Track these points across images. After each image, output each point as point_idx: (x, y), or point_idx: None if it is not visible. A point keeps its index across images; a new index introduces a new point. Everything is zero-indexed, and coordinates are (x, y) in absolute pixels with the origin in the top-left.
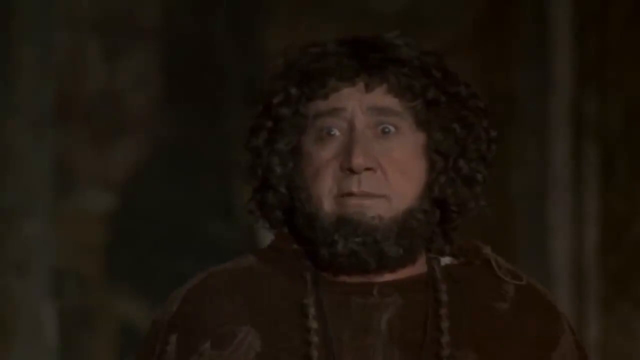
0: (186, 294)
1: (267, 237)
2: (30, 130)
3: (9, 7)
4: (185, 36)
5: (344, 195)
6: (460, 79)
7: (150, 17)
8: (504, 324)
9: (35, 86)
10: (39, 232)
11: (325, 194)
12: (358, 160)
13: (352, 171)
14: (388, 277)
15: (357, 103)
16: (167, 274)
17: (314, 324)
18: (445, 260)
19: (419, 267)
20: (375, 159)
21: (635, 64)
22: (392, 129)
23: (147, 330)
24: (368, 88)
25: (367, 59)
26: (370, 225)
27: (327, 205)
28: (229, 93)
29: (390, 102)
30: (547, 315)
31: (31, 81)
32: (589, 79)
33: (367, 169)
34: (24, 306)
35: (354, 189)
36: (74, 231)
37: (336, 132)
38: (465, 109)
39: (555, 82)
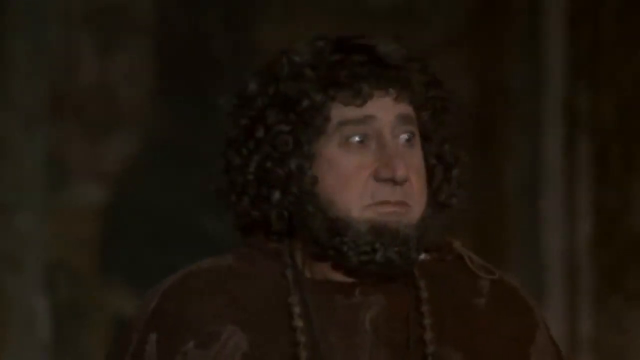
0: (165, 292)
1: None
2: (23, 124)
3: (0, 2)
4: (178, 31)
5: (377, 204)
6: (450, 91)
7: (143, 11)
8: (483, 320)
9: (28, 80)
10: (32, 226)
11: (354, 200)
12: (402, 172)
13: (394, 182)
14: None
15: (389, 112)
16: (160, 268)
17: (299, 323)
18: (420, 256)
19: None
20: (408, 169)
21: (627, 58)
22: (411, 137)
23: (121, 329)
24: (398, 98)
25: (395, 67)
26: (405, 234)
27: (357, 211)
28: (222, 88)
29: (410, 110)
30: (521, 310)
31: (24, 75)
32: (582, 73)
33: (407, 181)
34: (16, 300)
35: (391, 199)
36: (66, 225)
37: (358, 139)
38: (448, 112)
39: (547, 76)
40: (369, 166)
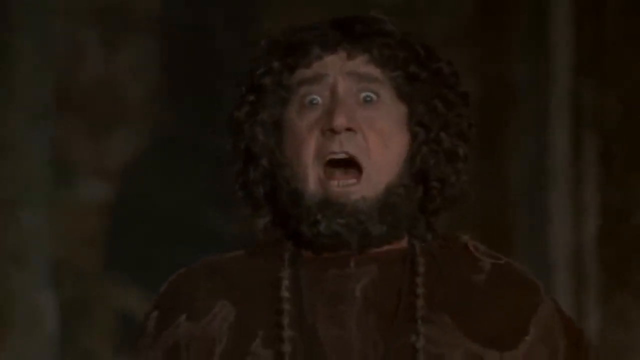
0: (173, 278)
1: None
2: (28, 120)
3: None
4: (183, 26)
5: (326, 155)
6: (443, 58)
7: (148, 6)
8: (479, 293)
9: (33, 76)
10: (37, 222)
11: (309, 164)
12: (340, 119)
13: (333, 131)
14: (366, 250)
15: (339, 70)
16: (164, 264)
17: (285, 294)
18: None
19: (398, 243)
20: (357, 122)
21: (633, 55)
22: (373, 97)
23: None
24: (350, 56)
25: (350, 30)
26: (354, 207)
27: (312, 184)
28: (227, 83)
29: (372, 70)
30: (525, 286)
31: (28, 72)
32: (588, 70)
33: (348, 129)
34: (22, 297)
35: (335, 149)
36: (71, 222)
37: (319, 100)
38: (447, 87)
39: (553, 73)
40: (319, 124)
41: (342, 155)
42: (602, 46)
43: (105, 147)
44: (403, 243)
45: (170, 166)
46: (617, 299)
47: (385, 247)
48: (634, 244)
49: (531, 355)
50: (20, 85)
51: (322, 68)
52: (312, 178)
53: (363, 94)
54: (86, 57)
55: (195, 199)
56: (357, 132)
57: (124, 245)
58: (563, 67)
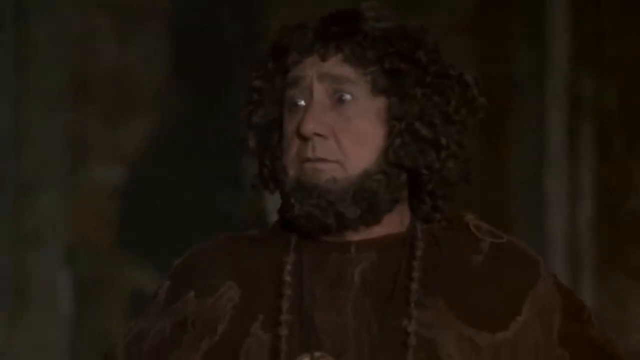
0: (188, 255)
1: (272, 210)
2: (45, 108)
3: None
4: (193, 17)
5: (302, 161)
6: (427, 46)
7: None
8: (476, 274)
9: (50, 67)
10: (54, 205)
11: (289, 162)
12: (308, 126)
13: (302, 137)
14: (365, 235)
15: (314, 72)
16: (175, 244)
17: (287, 278)
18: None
19: (399, 227)
20: (328, 126)
21: (628, 46)
22: (347, 97)
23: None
24: (323, 57)
25: (324, 31)
26: (324, 188)
27: (292, 171)
28: (234, 71)
29: (346, 70)
30: (523, 263)
31: (46, 62)
32: (585, 60)
33: (318, 134)
34: (39, 276)
35: (309, 155)
36: (86, 204)
37: (302, 102)
38: (428, 75)
39: (553, 62)
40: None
41: (314, 159)
42: (599, 37)
43: (119, 134)
44: (405, 227)
45: (181, 151)
46: (611, 278)
47: (384, 231)
48: (628, 227)
49: (524, 333)
50: (38, 75)
51: (301, 71)
52: (292, 171)
53: (337, 95)
54: (100, 48)
55: (205, 182)
56: (327, 137)
57: (137, 227)
58: (561, 58)
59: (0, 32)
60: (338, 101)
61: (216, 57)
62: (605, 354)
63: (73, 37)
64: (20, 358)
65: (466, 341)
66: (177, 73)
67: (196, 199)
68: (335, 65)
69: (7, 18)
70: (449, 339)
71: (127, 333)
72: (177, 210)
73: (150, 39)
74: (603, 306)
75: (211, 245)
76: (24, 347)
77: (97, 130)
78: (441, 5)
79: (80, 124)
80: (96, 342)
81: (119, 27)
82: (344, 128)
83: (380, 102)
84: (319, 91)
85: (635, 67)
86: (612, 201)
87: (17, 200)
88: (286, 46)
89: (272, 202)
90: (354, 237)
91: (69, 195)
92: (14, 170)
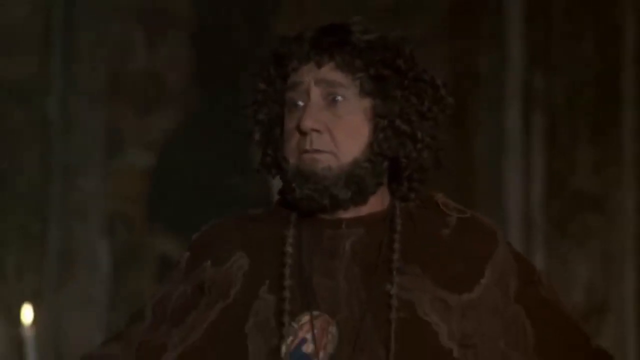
0: (205, 229)
1: (276, 190)
2: (88, 101)
3: (69, 1)
4: (210, 25)
5: (301, 152)
6: (405, 55)
7: (182, 10)
8: (445, 245)
9: (92, 65)
10: (95, 184)
11: (289, 153)
12: (306, 123)
13: (301, 132)
14: (354, 213)
15: (312, 77)
16: (197, 218)
17: (289, 249)
18: (350, 192)
19: (381, 206)
20: (323, 123)
21: (573, 48)
22: (339, 98)
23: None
24: (318, 65)
25: (319, 42)
26: (320, 175)
27: (292, 160)
28: (245, 71)
29: (338, 76)
30: (484, 235)
31: (88, 61)
32: (538, 60)
33: (315, 130)
34: (84, 244)
35: (307, 147)
36: (122, 184)
37: (300, 103)
38: (406, 79)
39: (509, 63)
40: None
41: (311, 151)
42: (549, 40)
43: (148, 124)
44: (387, 206)
45: (201, 139)
46: (558, 246)
47: (370, 210)
48: (572, 202)
49: (486, 295)
50: (82, 73)
51: (299, 77)
52: (292, 159)
53: (330, 97)
54: (133, 51)
55: (222, 166)
56: (323, 132)
57: (164, 203)
58: (517, 59)
59: (52, 37)
60: (332, 102)
61: (228, 59)
62: (554, 309)
63: (111, 42)
64: (68, 312)
65: (439, 301)
66: (197, 73)
67: (212, 180)
68: (329, 72)
69: (57, 25)
70: (425, 300)
71: (154, 295)
72: (197, 189)
73: (175, 44)
74: (551, 268)
75: (223, 221)
76: (71, 303)
77: (130, 121)
78: (417, 13)
79: (116, 115)
80: (130, 299)
81: (148, 34)
82: (336, 124)
83: (366, 103)
84: (315, 93)
85: (579, 66)
86: (559, 181)
87: (65, 181)
88: (286, 55)
89: (276, 184)
90: (345, 215)
91: (108, 176)
92: (63, 155)
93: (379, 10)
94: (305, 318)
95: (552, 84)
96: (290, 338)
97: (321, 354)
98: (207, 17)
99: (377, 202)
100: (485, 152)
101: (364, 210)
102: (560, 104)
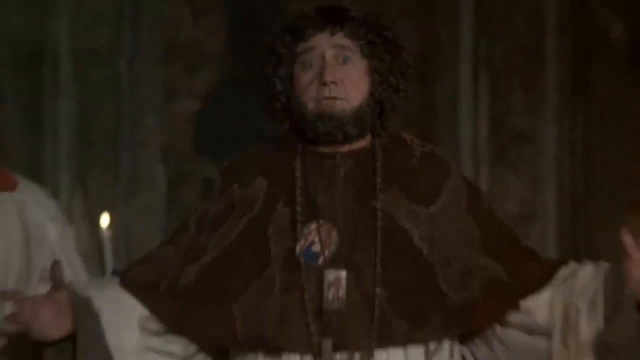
0: (232, 159)
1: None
2: (149, 63)
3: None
4: (240, 7)
5: (321, 99)
6: (390, 29)
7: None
8: (414, 170)
9: (152, 35)
10: (154, 124)
11: (308, 99)
12: (327, 77)
13: (324, 83)
14: (346, 148)
15: (326, 43)
16: (229, 150)
17: (298, 174)
18: (358, 130)
19: (365, 143)
20: (338, 77)
21: (509, 23)
22: (348, 59)
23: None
24: (332, 33)
25: (331, 16)
26: (338, 116)
27: (311, 106)
28: (266, 41)
29: (347, 42)
30: (440, 164)
31: (149, 32)
32: (482, 33)
33: (333, 82)
34: (146, 169)
35: (327, 94)
36: (174, 124)
37: (313, 63)
38: (391, 46)
39: (462, 34)
40: (316, 77)
41: (330, 97)
42: (492, 17)
43: (194, 79)
44: (369, 142)
45: (234, 91)
46: (498, 171)
47: (358, 146)
48: (509, 137)
49: (444, 208)
50: (144, 41)
51: (315, 42)
52: (311, 105)
53: (341, 57)
54: (182, 26)
55: (249, 112)
56: (338, 83)
57: (206, 138)
58: (467, 31)
59: (123, 14)
60: (342, 62)
61: (253, 31)
62: (493, 218)
63: (166, 18)
64: (135, 219)
65: (412, 213)
66: (229, 41)
67: (242, 122)
68: (340, 39)
69: (127, 5)
70: (402, 212)
71: (196, 210)
72: (230, 129)
73: (214, 19)
74: (493, 187)
75: (245, 154)
76: (137, 213)
77: (181, 77)
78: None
79: (170, 73)
80: (181, 211)
81: (194, 12)
82: (347, 78)
83: (365, 63)
84: (330, 55)
85: (513, 36)
86: (499, 121)
87: (133, 121)
88: (302, 25)
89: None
90: (339, 149)
91: (164, 118)
92: (130, 102)
93: None
94: (313, 226)
95: (493, 50)
96: (302, 241)
97: (326, 252)
98: (237, 1)
99: (362, 140)
100: (444, 101)
101: (353, 146)
102: (499, 65)
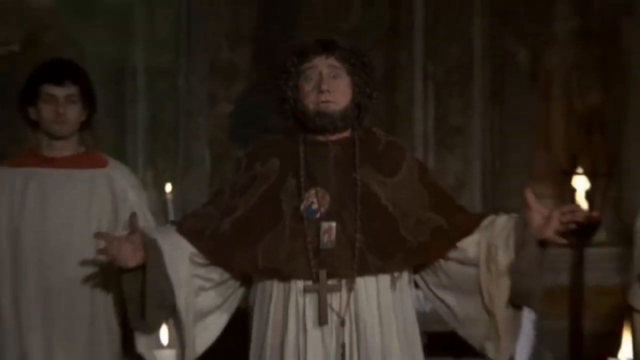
0: (254, 146)
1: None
2: (198, 77)
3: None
4: (260, 35)
5: (319, 102)
6: (366, 55)
7: (248, 28)
8: (381, 154)
9: (201, 57)
10: (202, 120)
11: (309, 102)
12: (324, 87)
13: (321, 91)
14: (335, 137)
15: (322, 63)
16: (255, 139)
17: (302, 155)
18: (345, 125)
19: (347, 134)
20: (332, 87)
21: (448, 50)
22: (338, 75)
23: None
24: (327, 58)
25: (326, 46)
26: (330, 114)
27: (311, 107)
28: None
29: (336, 63)
30: (399, 149)
31: (199, 54)
32: (430, 55)
33: (327, 90)
34: (197, 152)
35: (323, 99)
36: (216, 119)
37: (313, 78)
38: (367, 67)
39: (415, 55)
40: (315, 87)
41: (327, 101)
42: (437, 43)
43: (230, 89)
44: (350, 134)
45: (258, 97)
46: (441, 152)
47: (342, 136)
48: (448, 130)
49: (403, 180)
50: (195, 61)
51: (314, 63)
52: (311, 107)
53: (333, 74)
54: (222, 50)
55: (268, 112)
56: (331, 92)
57: (238, 130)
58: (419, 54)
59: (180, 41)
60: (334, 77)
61: (273, 57)
62: (438, 186)
63: (211, 46)
64: (189, 188)
65: (381, 183)
66: (255, 64)
67: (262, 121)
68: (332, 61)
69: (184, 34)
70: (374, 182)
71: (229, 180)
72: (256, 125)
73: (242, 48)
74: (437, 165)
75: (264, 141)
76: (190, 183)
77: (220, 87)
78: (367, 32)
79: (213, 84)
80: (221, 183)
81: (229, 43)
82: (337, 89)
83: (350, 78)
84: (325, 72)
85: (450, 60)
86: (441, 119)
87: (187, 120)
88: (305, 51)
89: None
90: (330, 138)
91: (210, 117)
92: (186, 106)
93: (346, 32)
94: (312, 191)
95: (437, 69)
96: (305, 201)
97: (322, 209)
98: (260, 33)
99: (346, 132)
100: (403, 105)
101: (340, 136)
102: (441, 79)
